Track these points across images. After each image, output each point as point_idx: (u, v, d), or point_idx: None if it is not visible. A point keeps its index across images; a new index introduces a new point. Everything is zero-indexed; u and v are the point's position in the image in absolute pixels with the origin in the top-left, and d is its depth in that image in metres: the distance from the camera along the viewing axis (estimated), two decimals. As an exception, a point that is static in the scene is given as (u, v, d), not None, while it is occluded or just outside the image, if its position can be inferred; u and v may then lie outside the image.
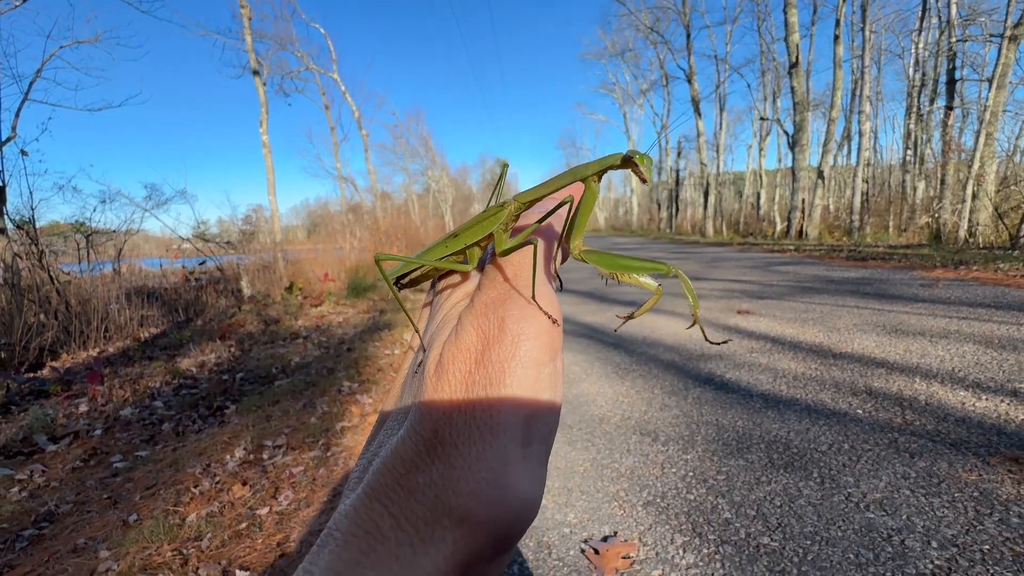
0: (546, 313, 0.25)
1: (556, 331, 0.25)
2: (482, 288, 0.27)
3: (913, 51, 16.50)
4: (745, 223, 22.77)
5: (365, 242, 12.18)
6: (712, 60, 23.88)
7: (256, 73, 10.99)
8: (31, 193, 6.65)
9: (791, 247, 12.05)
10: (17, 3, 6.38)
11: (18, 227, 6.39)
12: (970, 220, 10.41)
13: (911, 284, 5.64)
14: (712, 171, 22.91)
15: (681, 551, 1.61)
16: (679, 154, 28.96)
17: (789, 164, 17.88)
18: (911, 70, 16.81)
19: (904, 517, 1.64)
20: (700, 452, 2.24)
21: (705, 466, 2.11)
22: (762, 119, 23.17)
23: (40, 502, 2.31)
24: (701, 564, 1.54)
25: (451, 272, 0.34)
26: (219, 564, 1.72)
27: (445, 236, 0.34)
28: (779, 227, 18.39)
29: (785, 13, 14.80)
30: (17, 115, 7.03)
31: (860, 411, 2.47)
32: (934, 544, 1.50)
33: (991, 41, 11.89)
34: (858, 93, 16.49)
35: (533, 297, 0.25)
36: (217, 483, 2.30)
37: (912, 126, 16.43)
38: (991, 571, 1.37)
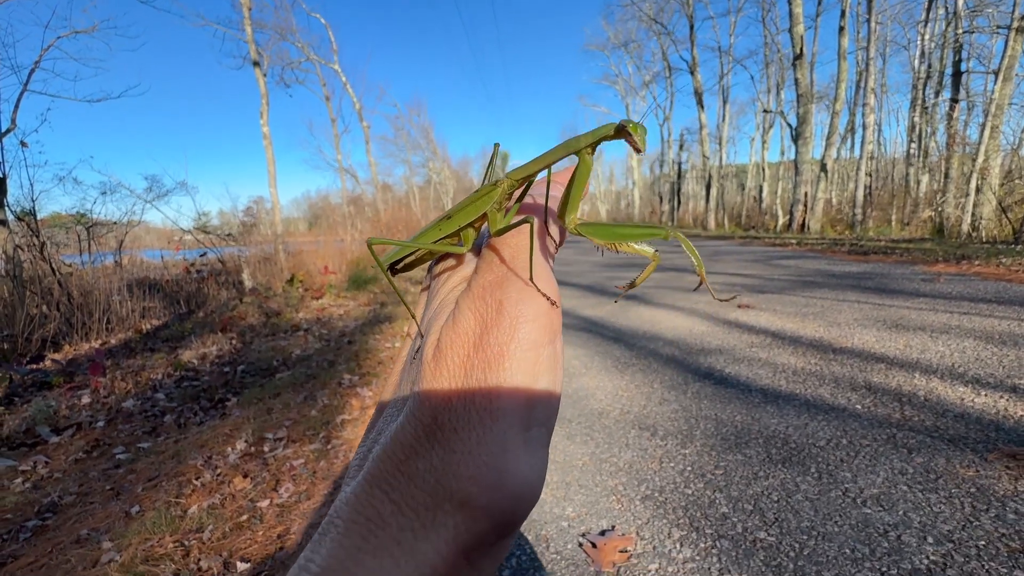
0: (544, 295, 0.24)
1: (555, 313, 0.25)
2: (479, 271, 0.26)
3: (919, 43, 16.35)
4: (747, 216, 22.70)
5: (366, 234, 12.17)
6: (715, 52, 23.71)
7: (256, 64, 10.93)
8: (31, 184, 6.65)
9: (793, 241, 12.02)
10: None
11: (19, 219, 6.39)
12: (973, 214, 10.37)
13: (912, 279, 5.63)
14: (714, 164, 22.81)
15: (678, 545, 1.62)
16: (681, 146, 28.78)
17: (792, 157, 17.80)
18: (916, 62, 16.67)
19: (901, 512, 1.65)
20: (698, 447, 2.24)
21: (703, 461, 2.12)
22: (765, 111, 23.03)
23: (43, 493, 2.33)
24: (698, 558, 1.55)
25: (447, 255, 0.33)
26: (220, 556, 1.73)
27: (439, 218, 0.33)
28: (781, 220, 18.33)
29: (790, 4, 14.64)
30: (16, 106, 7.01)
31: (859, 406, 2.47)
32: (930, 539, 1.51)
33: (998, 33, 11.76)
34: (862, 85, 16.36)
35: (531, 279, 0.25)
36: (218, 475, 2.32)
37: (917, 119, 16.32)
38: (986, 567, 1.38)
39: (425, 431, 0.22)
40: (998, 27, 11.36)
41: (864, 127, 14.91)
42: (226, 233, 9.99)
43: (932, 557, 1.44)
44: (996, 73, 9.81)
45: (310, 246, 10.37)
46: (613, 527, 1.74)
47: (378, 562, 0.20)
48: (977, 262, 6.33)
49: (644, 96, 32.87)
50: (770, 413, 2.50)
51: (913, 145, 16.39)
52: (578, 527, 1.76)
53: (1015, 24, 9.21)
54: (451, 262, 0.32)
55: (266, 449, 2.56)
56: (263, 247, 9.49)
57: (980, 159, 10.11)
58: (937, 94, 16.08)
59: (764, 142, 24.30)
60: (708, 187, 21.96)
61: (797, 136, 15.43)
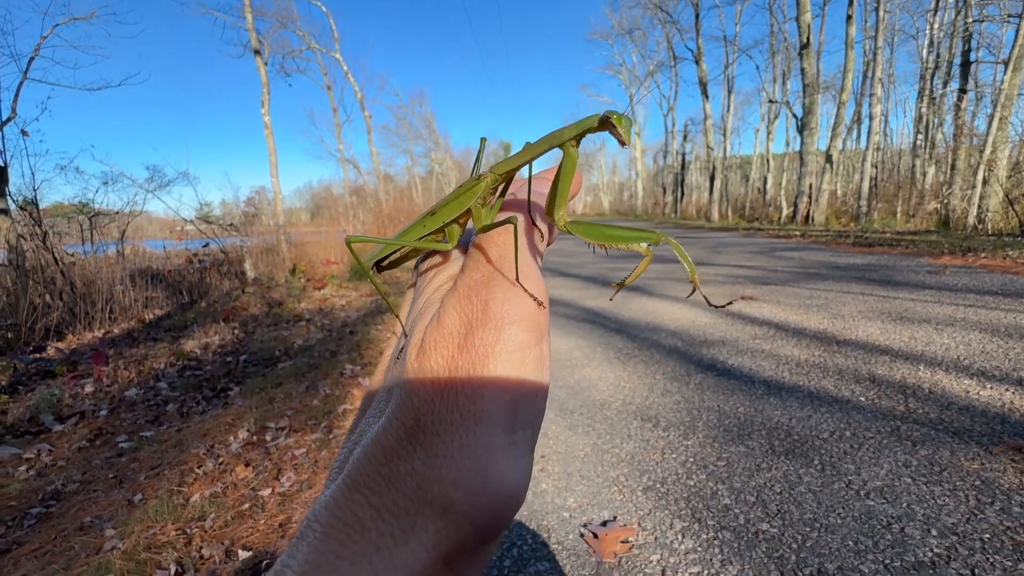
0: (531, 295, 0.24)
1: (542, 314, 0.24)
2: (465, 270, 0.26)
3: (928, 32, 16.10)
4: (751, 208, 22.56)
5: (368, 225, 12.15)
6: (721, 41, 23.43)
7: (257, 52, 10.84)
8: (33, 174, 6.65)
9: (797, 232, 11.95)
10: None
11: (21, 208, 6.39)
12: (979, 206, 10.27)
13: (918, 271, 5.59)
14: (718, 155, 22.63)
15: (680, 536, 1.62)
16: (685, 137, 28.56)
17: (797, 148, 17.63)
18: (925, 51, 16.44)
19: (904, 505, 1.64)
20: (701, 438, 2.24)
21: (706, 452, 2.11)
22: (771, 102, 22.79)
23: (47, 481, 2.34)
24: (700, 549, 1.55)
25: (434, 252, 0.33)
26: (222, 544, 1.74)
27: (423, 214, 0.33)
28: (785, 212, 18.21)
29: (797, -9, 14.42)
30: (17, 95, 6.98)
31: (863, 399, 2.46)
32: (934, 532, 1.50)
33: (1008, 22, 11.58)
34: (870, 75, 16.14)
35: (517, 279, 0.24)
36: (220, 464, 2.33)
37: (924, 109, 16.13)
38: (991, 560, 1.37)
39: (407, 433, 0.21)
40: (1009, 16, 11.19)
41: (871, 117, 14.74)
42: (228, 223, 9.98)
43: (936, 550, 1.43)
44: (1006, 63, 9.66)
45: (312, 237, 10.36)
46: (615, 518, 1.74)
47: (356, 569, 0.19)
48: (983, 254, 6.28)
49: (648, 86, 32.57)
50: (773, 405, 2.49)
51: (920, 136, 16.22)
52: (579, 517, 1.76)
53: (1027, 12, 9.04)
54: (438, 259, 0.31)
55: (268, 438, 2.57)
56: (265, 237, 9.49)
57: (988, 150, 9.99)
58: (945, 84, 15.89)
59: (769, 133, 24.07)
60: (712, 178, 21.81)
61: (803, 127, 15.27)
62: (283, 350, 4.28)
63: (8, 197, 6.30)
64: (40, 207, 6.61)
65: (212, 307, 6.45)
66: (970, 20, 12.27)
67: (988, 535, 1.47)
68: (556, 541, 1.65)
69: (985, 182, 10.15)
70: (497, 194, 0.32)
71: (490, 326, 0.22)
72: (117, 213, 8.36)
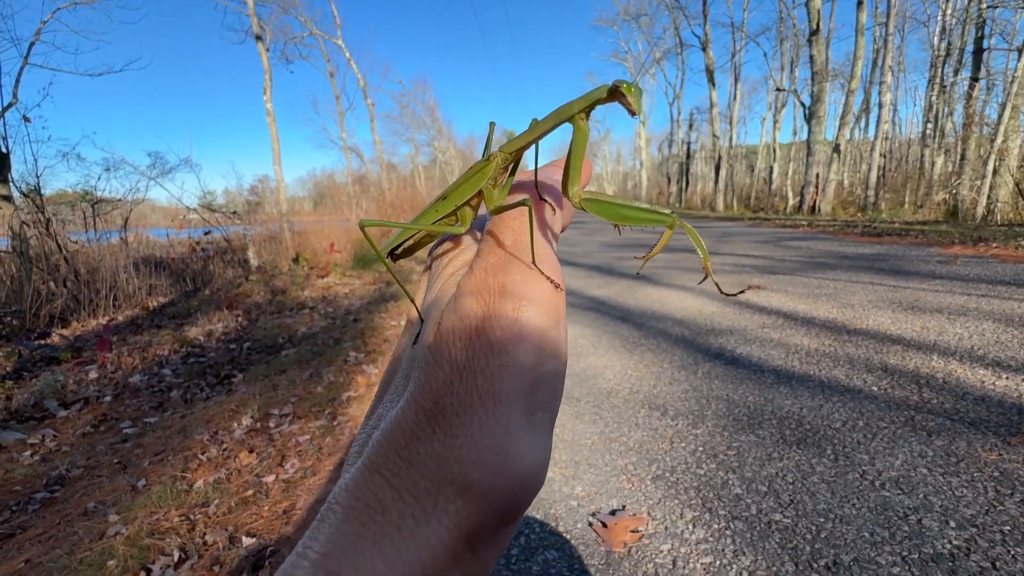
0: (548, 277, 0.24)
1: (559, 296, 0.24)
2: (481, 254, 0.26)
3: (940, 18, 15.79)
4: (756, 198, 22.36)
5: (371, 213, 12.09)
6: (728, 28, 23.05)
7: (259, 38, 10.72)
8: (35, 160, 6.61)
9: (804, 222, 11.83)
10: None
11: (24, 195, 6.36)
12: (989, 196, 10.12)
13: (928, 260, 5.51)
14: (724, 144, 22.39)
15: (691, 526, 1.59)
16: (691, 126, 28.24)
17: (804, 137, 17.41)
18: (936, 39, 16.13)
19: (921, 496, 1.60)
20: (710, 427, 2.20)
21: (715, 441, 2.08)
22: (778, 90, 22.47)
23: (51, 466, 2.33)
24: (711, 539, 1.52)
25: (447, 237, 0.33)
26: (226, 530, 1.72)
27: (435, 199, 0.32)
28: (791, 202, 18.03)
29: (808, -24, 14.14)
30: (18, 80, 6.91)
31: (875, 388, 2.41)
32: (952, 524, 1.47)
33: (1024, 8, 11.33)
34: (879, 63, 15.86)
35: (533, 262, 0.24)
36: (224, 450, 2.31)
37: (934, 98, 15.86)
38: (1012, 552, 1.34)
39: (426, 415, 0.22)
40: (1025, 1, 10.93)
41: (880, 106, 14.53)
42: (231, 212, 9.94)
43: (955, 542, 1.40)
44: (1020, 50, 9.45)
45: (315, 225, 10.32)
46: (624, 507, 1.71)
47: (378, 548, 0.19)
48: (995, 244, 6.19)
49: (654, 74, 32.22)
50: (783, 394, 2.45)
51: (929, 125, 15.97)
52: (588, 506, 1.73)
53: (1044, -3, 8.84)
54: (451, 244, 0.31)
55: (272, 425, 2.55)
56: (268, 226, 9.45)
57: (999, 140, 9.82)
58: (956, 72, 15.60)
59: (776, 122, 23.76)
60: (717, 168, 21.59)
61: (810, 115, 15.06)
62: (287, 337, 4.26)
63: (11, 184, 6.28)
64: (43, 194, 6.58)
65: (216, 295, 6.44)
66: (984, 6, 11.99)
67: (1008, 527, 1.43)
68: (564, 530, 1.63)
69: (995, 172, 10.00)
70: (508, 172, 0.31)
71: (508, 309, 0.22)
72: (119, 200, 8.33)
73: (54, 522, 1.90)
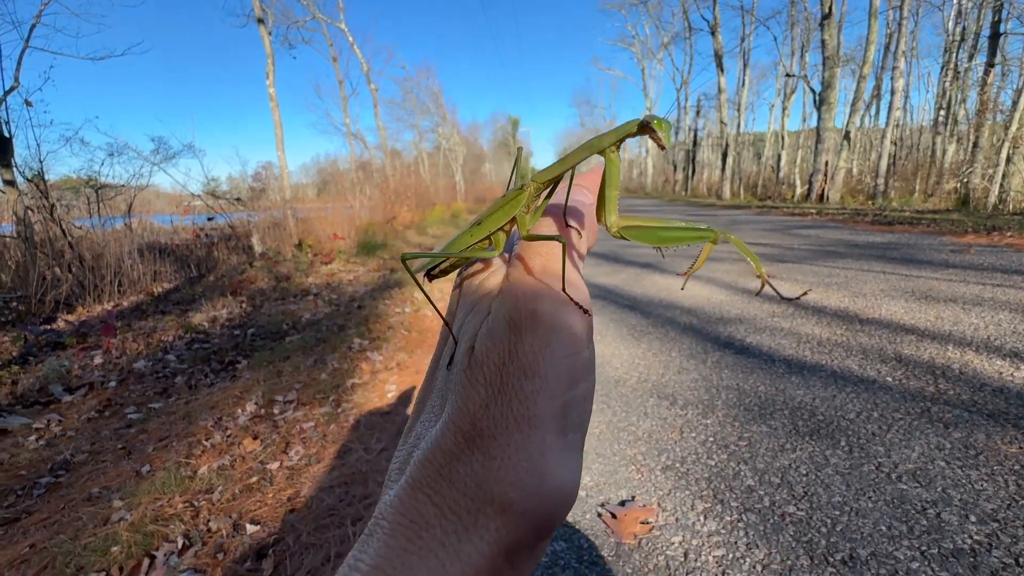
0: (577, 304, 0.25)
1: (587, 321, 0.25)
2: (512, 279, 0.26)
3: (956, 2, 15.40)
4: (763, 186, 22.09)
5: (375, 200, 12.03)
6: (738, 11, 22.59)
7: (261, 21, 10.57)
8: (38, 145, 6.57)
9: (812, 211, 11.68)
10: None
11: (28, 180, 6.33)
12: (1002, 185, 9.94)
13: (941, 249, 5.42)
14: (732, 131, 22.08)
15: (702, 518, 1.55)
16: (698, 113, 27.85)
17: (813, 125, 17.14)
18: (951, 23, 15.76)
19: (939, 489, 1.56)
20: (720, 417, 2.16)
21: (726, 431, 2.04)
22: (788, 75, 22.08)
23: (56, 451, 2.32)
24: (723, 532, 1.48)
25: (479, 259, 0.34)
26: (230, 517, 1.70)
27: (469, 225, 0.34)
28: (799, 190, 17.81)
29: (821, -42, 13.78)
30: (19, 63, 6.82)
31: (889, 379, 2.36)
32: (972, 518, 1.43)
33: (1045, -10, 11.00)
34: (892, 48, 15.53)
35: (563, 289, 0.25)
36: (228, 436, 2.29)
37: (947, 84, 15.53)
38: (1035, 548, 1.30)
39: (464, 437, 0.22)
40: (1046, -17, 10.62)
41: (892, 92, 14.24)
42: (235, 198, 9.89)
43: (976, 537, 1.36)
44: (1040, 33, 9.20)
45: (319, 212, 10.27)
46: (633, 497, 1.68)
47: (424, 563, 0.20)
48: (1009, 233, 6.08)
49: (661, 59, 31.74)
50: (795, 384, 2.40)
51: (941, 113, 15.67)
52: (596, 497, 1.70)
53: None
54: (482, 265, 0.32)
55: (276, 411, 2.53)
56: (272, 212, 9.41)
57: (1013, 127, 9.62)
58: (971, 58, 15.27)
59: (785, 108, 23.37)
60: (724, 155, 21.32)
61: (820, 102, 14.78)
62: (291, 324, 4.24)
63: (15, 169, 6.25)
64: (47, 180, 6.55)
65: (220, 281, 6.42)
66: (1003, -12, 11.67)
67: (1031, 522, 1.39)
68: (573, 521, 1.60)
69: (1009, 160, 9.81)
70: (541, 199, 0.32)
71: (539, 334, 0.23)
72: (123, 186, 8.29)
73: (59, 507, 1.89)
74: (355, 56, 18.70)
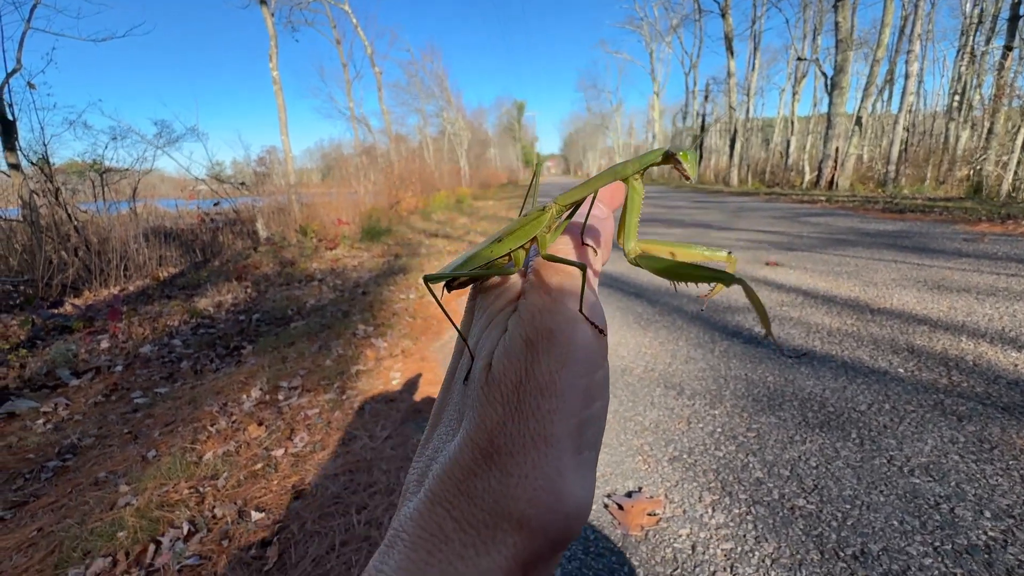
0: (592, 324, 0.25)
1: (603, 340, 0.25)
2: (529, 297, 0.26)
3: (975, -17, 14.96)
4: (771, 173, 21.79)
5: (379, 186, 11.97)
6: (750, -8, 22.06)
7: (263, 2, 10.42)
8: (42, 128, 6.52)
9: (822, 198, 11.51)
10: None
11: (33, 164, 6.31)
12: (1016, 173, 9.74)
13: (953, 238, 5.32)
14: (741, 116, 21.73)
15: (710, 510, 1.54)
16: (707, 97, 27.37)
17: (823, 110, 16.83)
18: (969, 5, 15.33)
19: (953, 484, 1.54)
20: (728, 407, 2.14)
21: (734, 422, 2.02)
22: (799, 59, 21.62)
23: (63, 435, 2.33)
24: (732, 524, 1.47)
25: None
26: (235, 504, 1.70)
27: (489, 240, 0.34)
28: (808, 177, 17.55)
29: (837, -64, 13.39)
30: (21, 45, 6.76)
31: (901, 370, 2.33)
32: (987, 514, 1.40)
33: (1069, -30, 10.64)
34: (907, 31, 15.15)
35: (580, 309, 0.25)
36: (233, 422, 2.29)
37: (963, 69, 15.16)
38: (1052, 545, 1.27)
39: (482, 454, 0.23)
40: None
41: (906, 76, 13.91)
42: (240, 183, 9.84)
43: (991, 533, 1.33)
44: (1062, 16, 8.93)
45: (323, 197, 10.22)
46: (640, 489, 1.66)
47: (444, 575, 0.21)
48: (1024, 222, 5.96)
49: (670, 41, 31.16)
50: (804, 374, 2.37)
51: (956, 98, 15.32)
52: (603, 487, 1.69)
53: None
54: (498, 279, 0.32)
55: (281, 398, 2.53)
56: (276, 197, 9.36)
57: (1032, 113, 9.38)
58: (988, 41, 14.87)
59: (795, 93, 22.94)
60: (732, 141, 21.01)
61: (832, 86, 14.48)
62: (295, 309, 4.23)
63: (19, 152, 6.23)
64: (51, 163, 6.52)
65: (225, 266, 6.42)
66: (1025, -32, 11.29)
67: (1048, 518, 1.36)
68: (579, 511, 1.58)
69: (1024, 147, 9.58)
70: (562, 219, 0.32)
71: (555, 353, 0.23)
72: (128, 170, 8.26)
73: (66, 491, 1.90)
74: (359, 38, 18.48)
